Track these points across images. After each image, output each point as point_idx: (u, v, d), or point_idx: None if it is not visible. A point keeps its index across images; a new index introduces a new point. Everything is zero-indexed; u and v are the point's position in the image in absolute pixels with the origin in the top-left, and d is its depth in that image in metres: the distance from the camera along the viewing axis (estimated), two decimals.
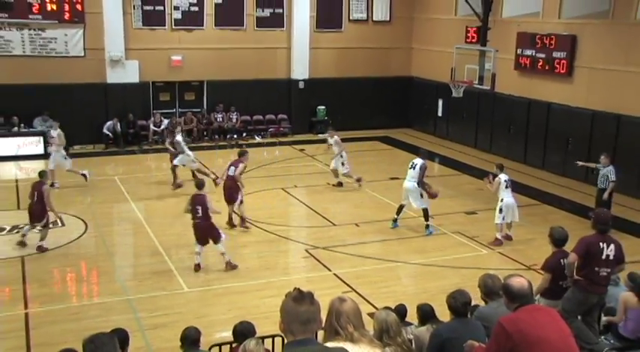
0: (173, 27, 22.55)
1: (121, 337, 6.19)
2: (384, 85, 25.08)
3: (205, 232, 11.77)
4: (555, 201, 16.53)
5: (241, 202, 14.08)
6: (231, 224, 14.05)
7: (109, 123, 21.64)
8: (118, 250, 13.56)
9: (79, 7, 21.00)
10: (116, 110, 21.78)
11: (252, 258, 12.74)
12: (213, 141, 22.93)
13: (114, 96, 21.87)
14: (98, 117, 21.56)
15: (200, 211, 11.63)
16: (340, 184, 17.65)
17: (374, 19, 25.06)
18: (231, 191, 13.82)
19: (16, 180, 17.85)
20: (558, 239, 8.03)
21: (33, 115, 20.85)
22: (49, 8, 20.64)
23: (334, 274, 11.75)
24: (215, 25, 23.01)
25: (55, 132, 17.14)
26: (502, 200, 13.17)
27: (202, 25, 22.88)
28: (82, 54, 21.51)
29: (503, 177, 13.28)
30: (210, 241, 11.82)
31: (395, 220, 14.27)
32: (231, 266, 11.87)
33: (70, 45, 21.29)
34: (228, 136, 23.24)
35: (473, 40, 21.40)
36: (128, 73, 22.00)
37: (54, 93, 20.83)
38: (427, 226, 13.96)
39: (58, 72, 21.01)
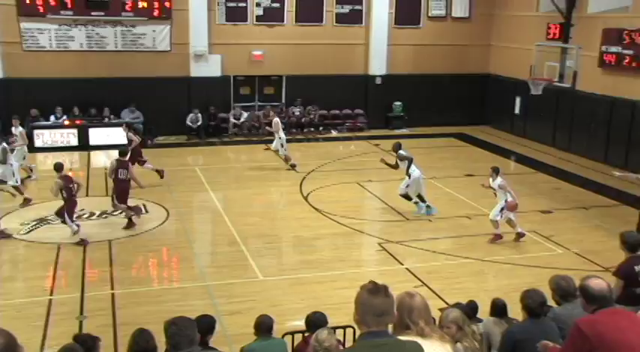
0: (255, 22, 23.11)
1: (207, 323, 6.47)
2: (461, 82, 24.86)
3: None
4: (636, 202, 16.05)
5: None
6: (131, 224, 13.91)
7: (191, 114, 22.42)
8: (197, 237, 13.99)
9: (167, 4, 21.87)
10: (198, 103, 22.53)
11: (326, 249, 12.97)
12: (291, 135, 23.34)
13: (197, 90, 22.62)
14: (181, 110, 22.37)
15: (75, 189, 12.89)
16: (293, 166, 18.53)
17: (453, 15, 24.89)
18: (125, 193, 13.84)
19: (105, 168, 18.72)
20: (632, 244, 7.70)
21: (122, 107, 21.89)
22: (140, 6, 21.59)
23: (406, 268, 11.87)
24: (295, 21, 23.43)
25: (17, 131, 17.16)
26: (506, 201, 12.98)
27: (283, 21, 23.34)
28: (169, 49, 22.38)
29: (500, 179, 13.06)
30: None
31: (428, 206, 14.83)
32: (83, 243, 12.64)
33: (158, 40, 22.20)
34: (305, 130, 23.65)
35: (554, 37, 20.97)
36: (211, 67, 22.72)
37: (141, 86, 21.71)
38: (428, 206, 14.78)
39: (146, 66, 21.91)
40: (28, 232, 13.38)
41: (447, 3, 24.77)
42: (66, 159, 17.93)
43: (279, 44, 23.31)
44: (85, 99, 21.37)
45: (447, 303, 9.21)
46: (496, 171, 13.11)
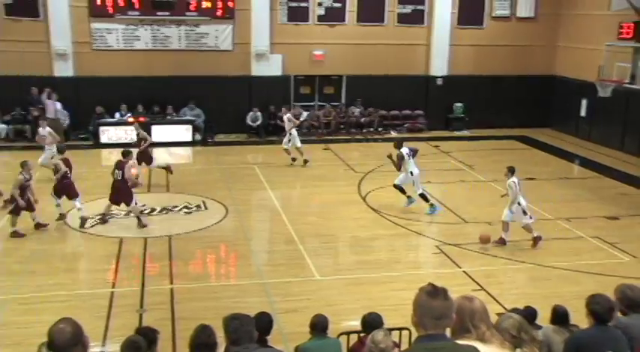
0: (316, 22, 23.22)
1: (266, 321, 6.51)
2: (524, 83, 24.39)
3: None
4: None
5: (135, 203, 13.99)
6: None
7: (250, 113, 22.66)
8: (254, 235, 14.11)
9: (230, 4, 22.20)
10: (259, 102, 22.76)
11: (383, 250, 12.92)
12: (350, 135, 23.34)
13: (257, 89, 22.85)
14: (242, 108, 22.62)
15: (69, 172, 13.77)
16: (294, 160, 18.94)
17: (517, 15, 24.42)
18: (121, 193, 13.66)
19: (167, 165, 19.09)
20: None
21: (184, 105, 22.32)
22: (204, 6, 22.01)
23: (464, 271, 11.70)
24: (357, 21, 23.42)
25: (45, 131, 17.41)
26: (520, 203, 12.67)
27: (344, 21, 23.36)
28: (231, 48, 22.71)
29: (516, 179, 12.75)
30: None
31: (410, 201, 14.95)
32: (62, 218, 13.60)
33: (220, 39, 22.55)
34: (364, 130, 23.60)
35: (627, 37, 20.22)
36: (272, 67, 22.93)
37: (203, 85, 22.10)
38: (432, 205, 14.89)
39: (208, 65, 22.27)
40: (93, 226, 13.75)
41: (512, 3, 24.33)
42: None
43: (340, 44, 23.32)
44: (149, 96, 21.89)
45: (505, 308, 9.03)
46: (511, 171, 12.84)
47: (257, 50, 22.64)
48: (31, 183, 13.21)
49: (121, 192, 13.64)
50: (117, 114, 21.69)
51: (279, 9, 22.88)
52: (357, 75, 23.67)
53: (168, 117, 21.95)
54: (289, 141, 18.84)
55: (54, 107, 20.41)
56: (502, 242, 12.88)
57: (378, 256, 12.54)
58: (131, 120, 18.94)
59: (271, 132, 22.81)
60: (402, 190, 14.98)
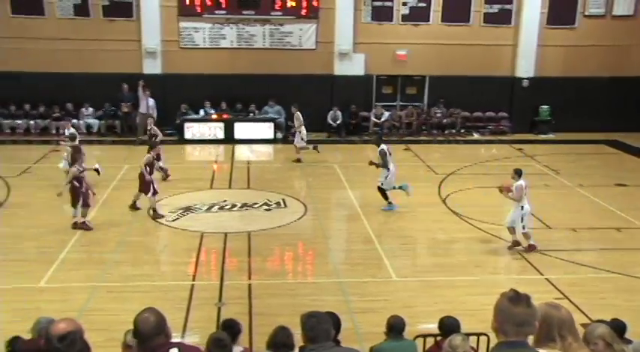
0: (400, 22, 23.06)
1: (336, 321, 6.50)
2: (618, 85, 23.34)
3: None
4: None
5: (154, 193, 14.18)
6: (134, 206, 14.48)
7: (331, 112, 22.74)
8: (333, 234, 14.14)
9: (315, 3, 22.39)
10: (340, 101, 22.80)
11: (462, 253, 12.68)
12: (432, 136, 23.08)
13: (339, 88, 22.90)
14: (323, 107, 22.71)
15: (78, 158, 13.64)
16: (299, 160, 19.09)
17: (613, 13, 23.46)
18: (140, 182, 14.21)
19: (248, 162, 19.47)
20: None
21: (266, 103, 22.62)
22: (289, 5, 22.29)
23: (546, 279, 11.35)
24: (441, 21, 23.12)
25: (69, 132, 17.21)
26: (522, 207, 12.19)
27: (429, 21, 23.11)
28: (314, 47, 22.85)
29: (523, 182, 12.23)
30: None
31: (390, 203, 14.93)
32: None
33: (304, 38, 22.74)
34: (446, 132, 23.27)
35: None
36: (354, 66, 22.92)
37: (286, 83, 22.30)
38: (390, 203, 14.92)
39: (291, 63, 22.49)
40: (175, 220, 14.13)
41: (607, 1, 23.37)
42: (212, 151, 18.77)
43: (424, 44, 23.08)
44: (233, 94, 22.31)
45: (590, 319, 8.71)
46: (518, 173, 12.39)
47: (340, 49, 22.70)
48: (85, 175, 13.48)
49: (140, 181, 14.23)
50: (201, 111, 22.21)
51: (363, 8, 22.86)
52: (441, 75, 23.35)
53: (251, 114, 22.31)
54: (302, 139, 18.95)
55: (147, 102, 21.07)
56: (532, 248, 12.52)
57: (457, 259, 12.33)
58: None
59: (352, 131, 22.82)
60: (384, 195, 14.89)
